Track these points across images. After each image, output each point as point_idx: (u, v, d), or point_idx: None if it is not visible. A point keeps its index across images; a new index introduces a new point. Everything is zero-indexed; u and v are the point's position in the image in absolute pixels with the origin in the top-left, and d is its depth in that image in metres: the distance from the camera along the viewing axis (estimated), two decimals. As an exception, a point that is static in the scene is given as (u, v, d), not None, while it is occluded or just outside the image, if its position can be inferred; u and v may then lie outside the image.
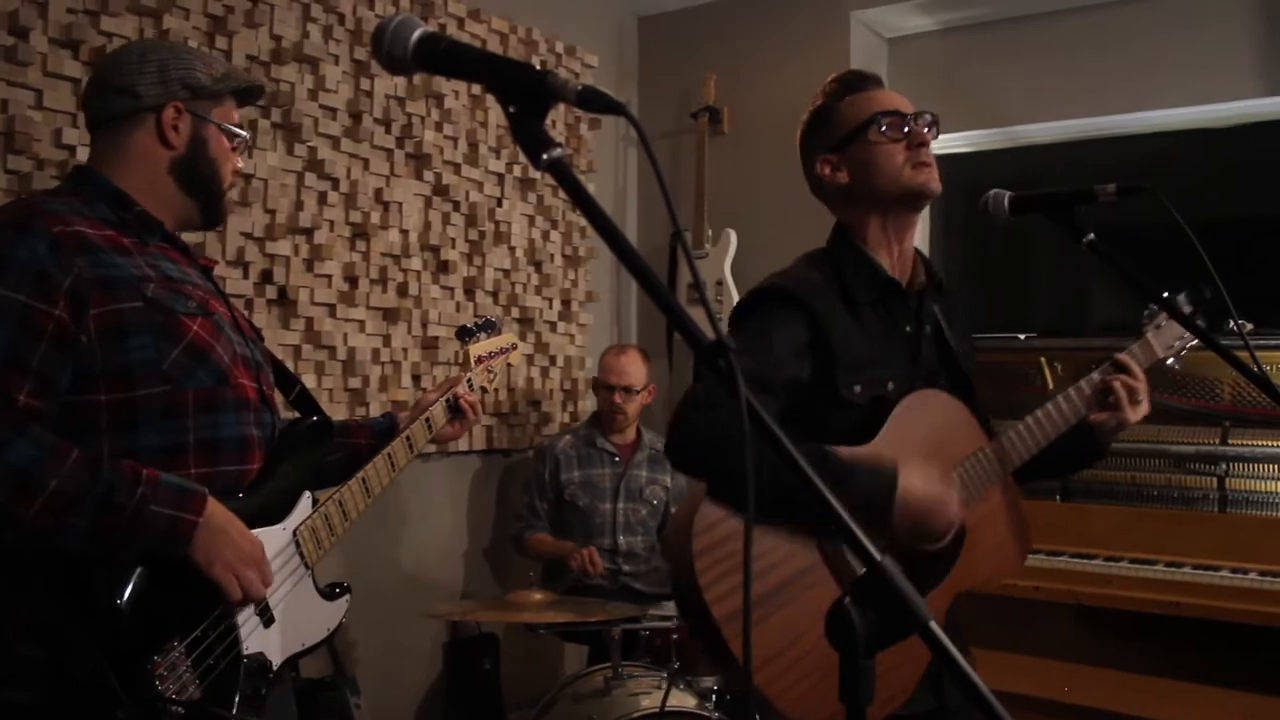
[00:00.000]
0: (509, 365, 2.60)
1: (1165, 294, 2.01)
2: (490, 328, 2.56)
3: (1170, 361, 2.15)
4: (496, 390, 4.18)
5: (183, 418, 1.74)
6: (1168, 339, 2.13)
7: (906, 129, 1.94)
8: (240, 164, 1.99)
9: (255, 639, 1.78)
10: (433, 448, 3.87)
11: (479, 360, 2.49)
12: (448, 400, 2.31)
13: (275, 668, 1.81)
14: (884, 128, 1.93)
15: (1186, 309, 2.04)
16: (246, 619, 1.76)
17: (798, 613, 1.73)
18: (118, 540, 1.60)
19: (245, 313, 2.06)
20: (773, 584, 1.73)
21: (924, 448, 1.88)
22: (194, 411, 1.75)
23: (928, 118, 1.97)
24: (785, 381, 1.85)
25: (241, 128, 1.96)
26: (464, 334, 2.51)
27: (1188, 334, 2.12)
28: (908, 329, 1.99)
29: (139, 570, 1.62)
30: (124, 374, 1.69)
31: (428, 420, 2.25)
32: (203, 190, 1.90)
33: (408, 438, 2.18)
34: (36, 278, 1.63)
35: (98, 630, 1.58)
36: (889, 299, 1.98)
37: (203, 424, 1.76)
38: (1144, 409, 2.04)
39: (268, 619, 1.80)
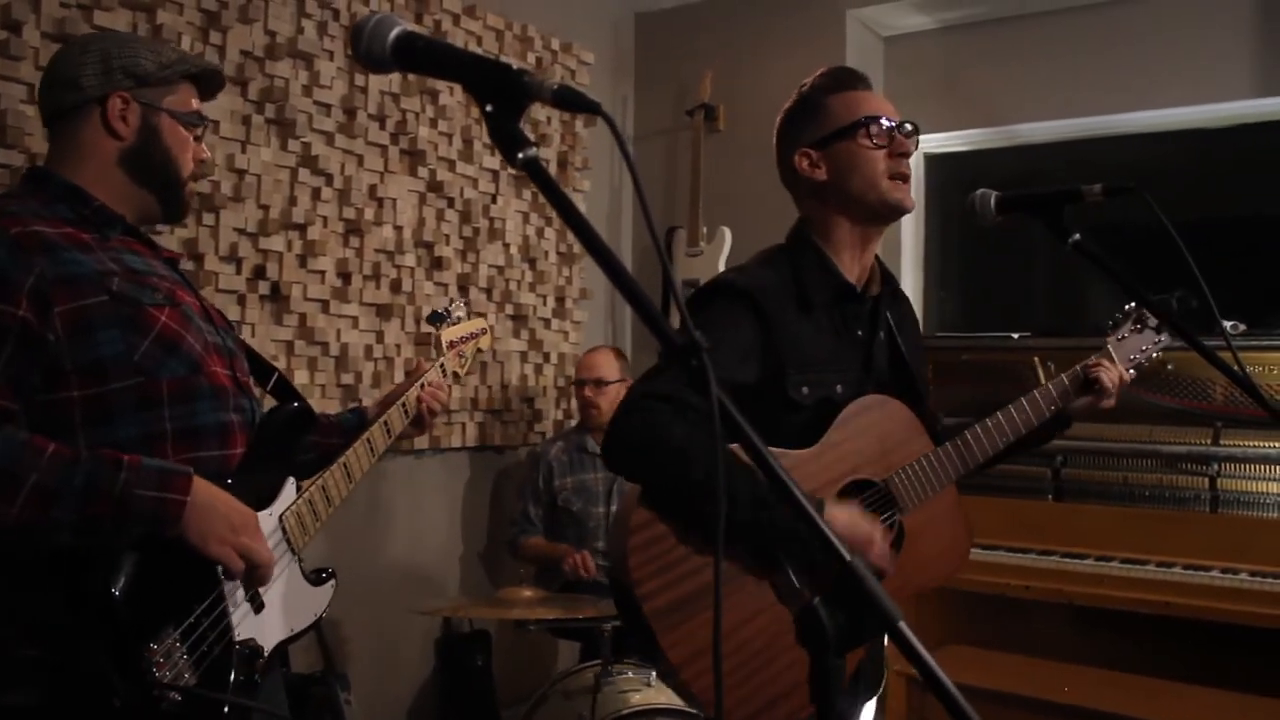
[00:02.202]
0: (480, 350, 2.60)
1: (1155, 297, 2.01)
2: (461, 311, 2.56)
3: (1130, 373, 2.16)
4: (490, 387, 4.18)
5: (158, 407, 1.74)
6: (1129, 350, 2.15)
7: (892, 138, 1.94)
8: (207, 153, 1.96)
9: (247, 625, 1.78)
10: (425, 444, 3.89)
11: (450, 345, 2.49)
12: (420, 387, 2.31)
13: (267, 653, 1.81)
14: (873, 134, 1.93)
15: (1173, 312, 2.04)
16: (238, 605, 1.77)
17: (725, 611, 1.73)
18: (107, 529, 1.60)
19: (215, 304, 2.05)
20: (702, 583, 1.75)
21: (869, 453, 1.90)
22: (169, 401, 1.75)
23: (908, 127, 1.96)
24: (728, 383, 1.84)
25: (201, 114, 1.92)
26: (435, 319, 2.51)
27: (1149, 347, 2.16)
28: (860, 333, 2.00)
29: (132, 558, 1.62)
30: (96, 369, 1.68)
31: (403, 405, 2.25)
32: (157, 181, 1.87)
33: (385, 423, 2.19)
34: None
35: (93, 620, 1.58)
36: (843, 302, 1.98)
37: (179, 413, 1.76)
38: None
39: (258, 605, 1.81)
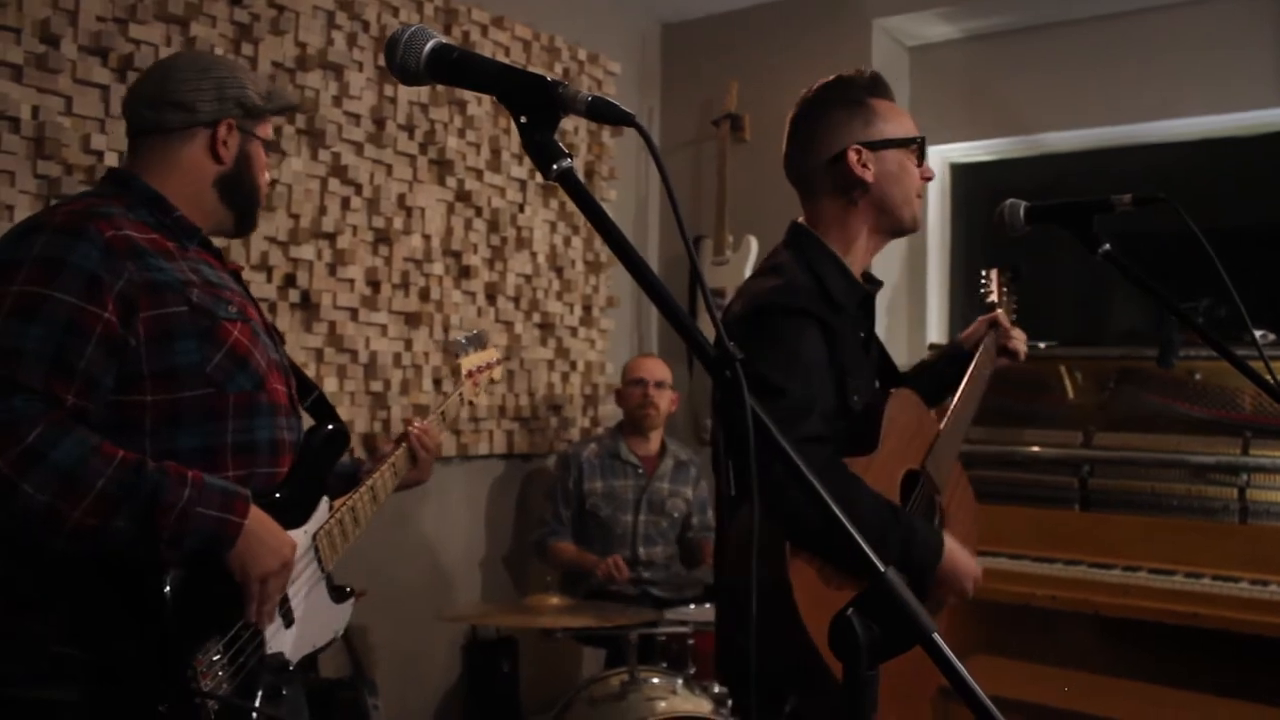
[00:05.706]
0: (493, 380, 2.61)
1: (1183, 305, 2.01)
2: (478, 342, 2.57)
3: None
4: (517, 395, 4.20)
5: (222, 420, 1.77)
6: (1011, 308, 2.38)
7: (923, 159, 2.03)
8: (271, 174, 2.07)
9: (277, 639, 1.81)
10: (453, 451, 3.91)
11: (469, 374, 2.51)
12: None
13: (292, 667, 1.84)
14: (919, 152, 2.01)
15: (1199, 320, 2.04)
16: (273, 619, 1.80)
17: None
18: (164, 542, 1.62)
19: (270, 317, 2.09)
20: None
21: (905, 446, 1.98)
22: (233, 415, 1.78)
23: None
24: (823, 403, 1.86)
25: (276, 141, 2.02)
26: (455, 348, 2.55)
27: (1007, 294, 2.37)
28: (862, 335, 2.06)
29: (183, 570, 1.65)
30: (169, 376, 1.72)
31: (393, 465, 2.15)
32: (243, 203, 1.96)
33: (392, 464, 2.13)
34: (88, 281, 1.66)
35: (144, 626, 1.60)
36: (859, 307, 2.04)
37: (240, 427, 1.80)
38: None
39: (289, 620, 1.84)
